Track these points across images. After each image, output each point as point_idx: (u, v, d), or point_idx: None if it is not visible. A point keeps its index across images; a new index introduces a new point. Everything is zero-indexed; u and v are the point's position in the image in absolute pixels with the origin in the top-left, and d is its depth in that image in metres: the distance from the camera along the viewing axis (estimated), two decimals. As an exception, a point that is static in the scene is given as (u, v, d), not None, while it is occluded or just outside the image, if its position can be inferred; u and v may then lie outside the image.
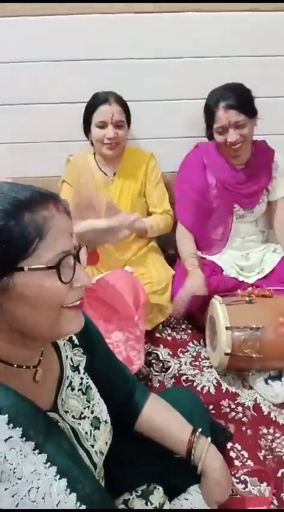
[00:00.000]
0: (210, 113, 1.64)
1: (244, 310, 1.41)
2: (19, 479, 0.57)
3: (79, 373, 0.79)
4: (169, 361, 1.59)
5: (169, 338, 1.72)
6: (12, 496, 0.56)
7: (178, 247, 1.77)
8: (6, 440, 0.58)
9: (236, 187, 1.74)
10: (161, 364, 1.58)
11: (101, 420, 0.79)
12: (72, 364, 0.79)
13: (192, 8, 1.77)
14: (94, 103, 1.67)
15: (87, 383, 0.80)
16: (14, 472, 0.57)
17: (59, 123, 1.91)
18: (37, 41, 1.77)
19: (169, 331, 1.75)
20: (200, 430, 0.92)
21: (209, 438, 0.92)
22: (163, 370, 1.56)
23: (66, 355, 0.78)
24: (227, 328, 1.35)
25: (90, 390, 0.80)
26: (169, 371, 1.55)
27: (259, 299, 1.44)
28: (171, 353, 1.63)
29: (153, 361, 1.59)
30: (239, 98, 1.58)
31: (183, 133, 1.99)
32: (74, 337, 0.81)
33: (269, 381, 1.43)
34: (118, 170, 1.81)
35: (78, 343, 0.81)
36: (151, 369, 1.56)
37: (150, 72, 1.87)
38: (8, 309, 0.58)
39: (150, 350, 1.63)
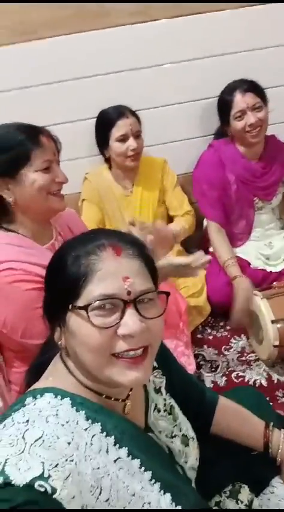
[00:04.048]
0: (226, 103, 1.71)
1: (284, 302, 1.46)
2: (132, 495, 0.62)
3: (161, 394, 0.83)
4: (216, 360, 1.64)
5: (211, 337, 1.76)
6: None
7: (215, 252, 1.80)
8: (115, 461, 0.62)
9: (253, 180, 1.79)
10: (209, 364, 1.63)
11: (189, 437, 0.83)
12: (154, 386, 0.82)
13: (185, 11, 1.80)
14: (110, 119, 1.70)
15: (169, 403, 0.83)
16: (128, 490, 0.61)
17: (68, 142, 1.94)
18: (34, 66, 1.77)
19: (210, 331, 1.79)
20: (272, 423, 0.97)
21: (282, 430, 0.97)
22: (213, 369, 1.61)
23: (148, 379, 0.82)
24: (273, 321, 1.40)
25: (173, 409, 0.83)
26: (218, 370, 1.60)
27: (296, 288, 1.49)
28: (216, 352, 1.68)
29: (201, 362, 1.64)
30: (254, 83, 1.69)
31: (189, 134, 2.03)
32: (152, 360, 0.86)
33: None
34: (135, 182, 1.84)
35: (156, 366, 0.85)
36: (201, 370, 1.60)
37: (149, 80, 1.89)
38: (67, 342, 0.65)
39: (195, 352, 1.67)
